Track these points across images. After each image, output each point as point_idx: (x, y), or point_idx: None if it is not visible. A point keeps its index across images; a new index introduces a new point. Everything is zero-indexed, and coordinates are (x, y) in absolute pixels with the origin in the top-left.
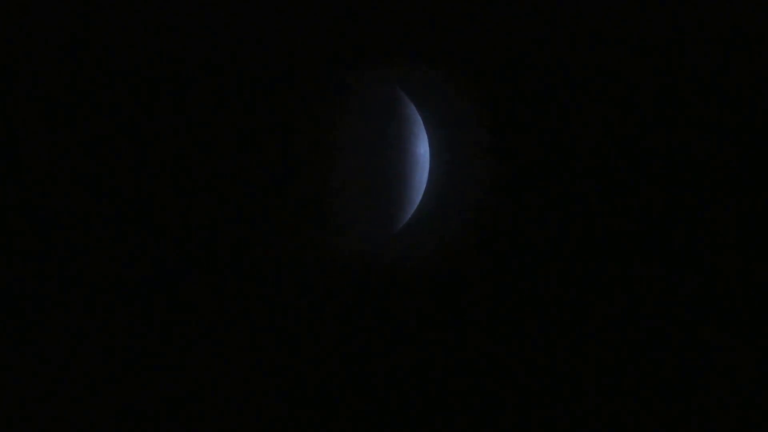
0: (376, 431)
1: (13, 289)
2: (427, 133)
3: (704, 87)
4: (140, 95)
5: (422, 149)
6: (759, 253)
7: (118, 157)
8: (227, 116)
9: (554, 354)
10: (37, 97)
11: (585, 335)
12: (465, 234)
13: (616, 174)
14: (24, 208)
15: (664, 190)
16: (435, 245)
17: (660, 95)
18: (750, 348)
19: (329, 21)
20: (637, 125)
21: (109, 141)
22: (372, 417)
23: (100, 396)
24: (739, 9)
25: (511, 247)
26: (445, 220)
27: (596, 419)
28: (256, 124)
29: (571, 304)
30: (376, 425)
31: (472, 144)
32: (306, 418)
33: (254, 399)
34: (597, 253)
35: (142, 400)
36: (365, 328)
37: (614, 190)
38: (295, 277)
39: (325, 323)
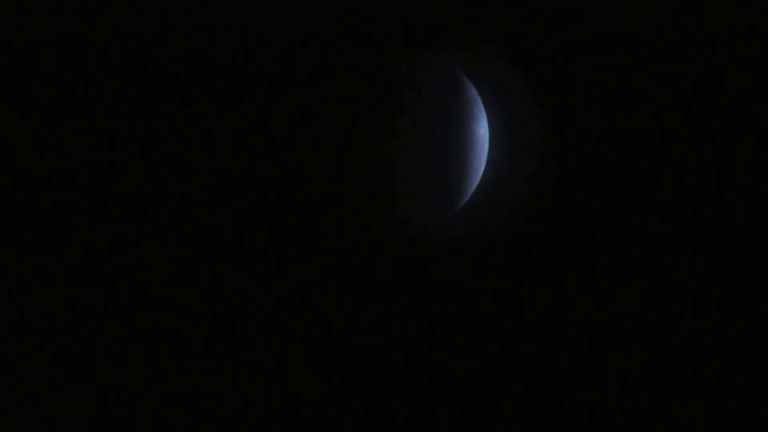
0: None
1: (12, 289)
2: (487, 115)
3: None
4: (198, 79)
5: (482, 130)
6: None
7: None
8: (293, 98)
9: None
10: (38, 97)
11: (643, 331)
12: (522, 215)
13: (684, 171)
14: (24, 207)
15: (746, 193)
16: (493, 225)
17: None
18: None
19: (393, 3)
20: (721, 121)
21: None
22: (439, 391)
23: (126, 394)
24: None
25: (566, 230)
26: (503, 201)
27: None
28: (322, 106)
29: (627, 297)
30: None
31: (530, 125)
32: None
33: (322, 380)
34: (655, 249)
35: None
36: (424, 308)
37: (681, 187)
38: (357, 256)
39: (386, 302)
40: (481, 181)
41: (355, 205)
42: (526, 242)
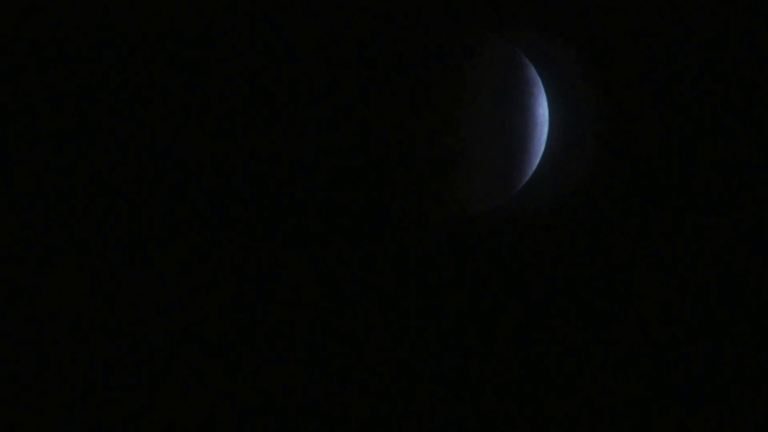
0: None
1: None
2: (546, 95)
3: None
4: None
5: (541, 110)
6: None
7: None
8: (358, 77)
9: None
10: (41, 96)
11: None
12: (581, 194)
13: (752, 162)
14: (24, 207)
15: None
16: (552, 204)
17: None
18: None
19: None
20: None
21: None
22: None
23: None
24: None
25: (624, 209)
26: (563, 180)
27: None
28: (386, 86)
29: (690, 285)
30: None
31: (590, 105)
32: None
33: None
34: (719, 237)
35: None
36: (483, 289)
37: (744, 187)
38: (420, 236)
39: (446, 283)
40: (541, 160)
41: (416, 185)
42: (586, 222)
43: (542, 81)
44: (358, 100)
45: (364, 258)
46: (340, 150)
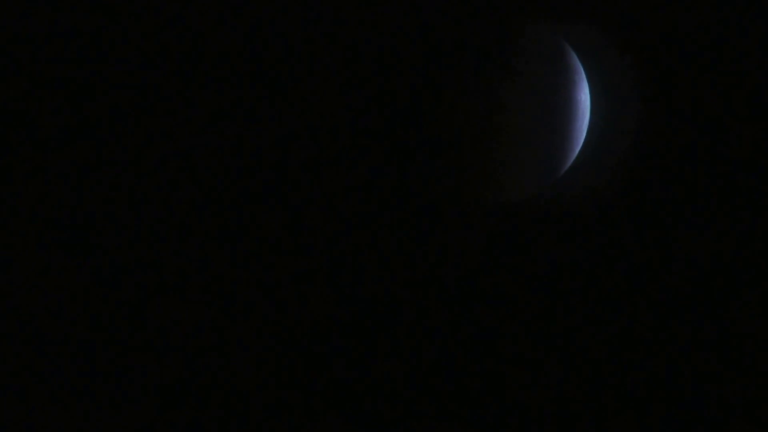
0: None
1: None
2: (588, 81)
3: None
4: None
5: (583, 95)
6: None
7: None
8: (406, 67)
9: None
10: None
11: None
12: (622, 179)
13: None
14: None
15: None
16: (594, 189)
17: None
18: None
19: None
20: None
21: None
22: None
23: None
24: None
25: (666, 193)
26: (604, 166)
27: None
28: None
29: (732, 272)
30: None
31: (631, 91)
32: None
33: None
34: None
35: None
36: (527, 275)
37: None
38: (461, 221)
39: (489, 269)
40: (583, 146)
41: (458, 171)
42: (627, 207)
43: (584, 67)
44: (404, 88)
45: (405, 246)
46: (384, 137)
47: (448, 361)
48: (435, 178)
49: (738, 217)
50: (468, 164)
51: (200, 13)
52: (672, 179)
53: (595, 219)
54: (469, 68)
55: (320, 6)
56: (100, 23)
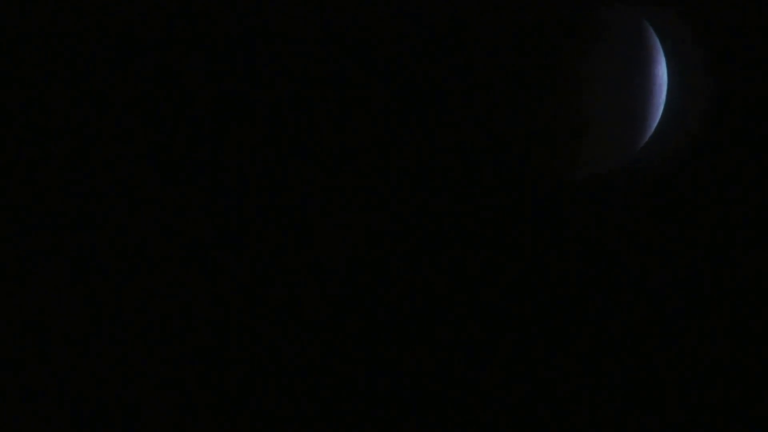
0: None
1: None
2: (665, 57)
3: None
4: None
5: (660, 71)
6: None
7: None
8: (489, 43)
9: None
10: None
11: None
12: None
13: None
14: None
15: None
16: (671, 165)
17: None
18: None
19: None
20: None
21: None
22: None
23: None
24: None
25: (740, 169)
26: (680, 141)
27: None
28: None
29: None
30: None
31: (708, 68)
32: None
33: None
34: None
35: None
36: (602, 250)
37: None
38: (537, 197)
39: (564, 246)
40: (660, 122)
41: (541, 148)
42: (702, 183)
43: (661, 43)
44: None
45: (484, 225)
46: (462, 115)
47: (535, 348)
48: (513, 155)
49: None
50: (545, 140)
51: (202, 12)
52: (745, 158)
53: (671, 192)
54: (548, 45)
55: None
56: (101, 23)
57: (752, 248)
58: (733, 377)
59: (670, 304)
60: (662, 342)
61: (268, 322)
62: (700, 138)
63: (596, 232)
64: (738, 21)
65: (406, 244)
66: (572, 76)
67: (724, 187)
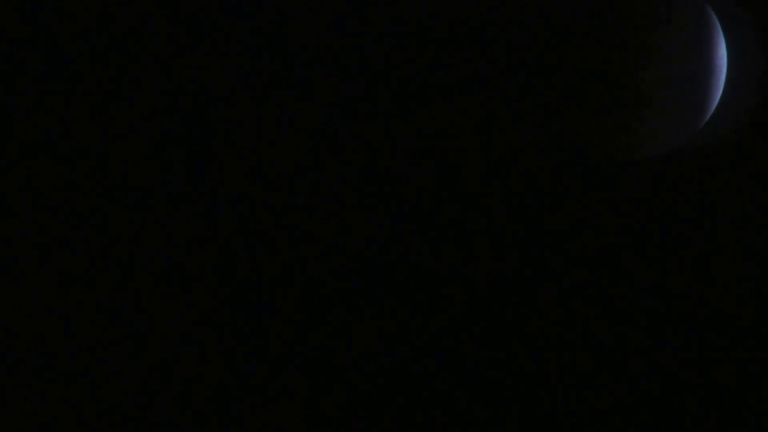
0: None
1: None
2: (725, 38)
3: None
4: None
5: (720, 52)
6: None
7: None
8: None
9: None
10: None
11: None
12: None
13: None
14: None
15: None
16: (730, 145)
17: None
18: None
19: None
20: None
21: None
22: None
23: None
24: None
25: None
26: (740, 123)
27: None
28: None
29: None
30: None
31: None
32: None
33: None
34: None
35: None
36: (661, 230)
37: None
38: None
39: (623, 226)
40: (719, 104)
41: (595, 128)
42: (761, 166)
43: (721, 24)
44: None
45: (539, 206)
46: (527, 92)
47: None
48: (573, 134)
49: None
50: (604, 121)
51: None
52: None
53: (731, 172)
54: (608, 24)
55: None
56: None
57: None
58: None
59: (733, 292)
60: (732, 332)
61: (268, 322)
62: (759, 120)
63: (655, 213)
64: None
65: (458, 226)
66: (633, 57)
67: None
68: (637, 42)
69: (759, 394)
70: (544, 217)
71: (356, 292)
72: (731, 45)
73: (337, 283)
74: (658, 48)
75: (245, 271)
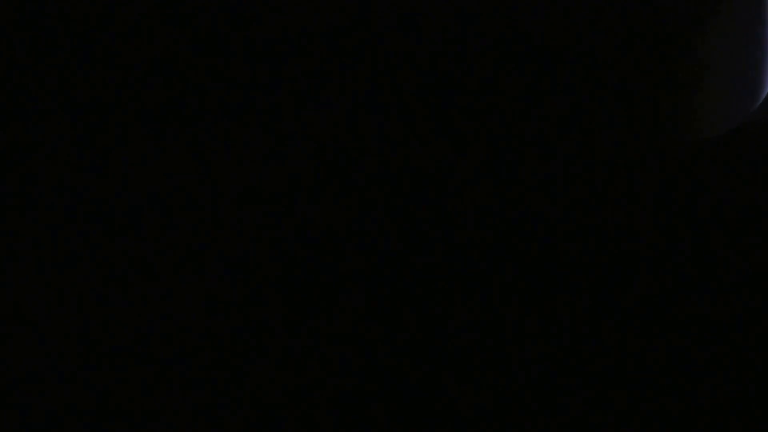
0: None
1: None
2: None
3: None
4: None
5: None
6: None
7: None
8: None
9: None
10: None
11: None
12: None
13: None
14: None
15: None
16: None
17: None
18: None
19: None
20: None
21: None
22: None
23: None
24: None
25: None
26: None
27: None
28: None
29: None
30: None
31: None
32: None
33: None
34: None
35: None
36: (713, 215)
37: None
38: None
39: (674, 207)
40: None
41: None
42: None
43: None
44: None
45: (586, 188)
46: (581, 78)
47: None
48: (625, 117)
49: None
50: (657, 104)
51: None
52: None
53: None
54: (666, 12)
55: None
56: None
57: None
58: None
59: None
60: None
61: (268, 322)
62: None
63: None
64: None
65: (503, 208)
66: (687, 42)
67: None
68: (693, 26)
69: (759, 393)
70: (600, 204)
71: (356, 291)
72: None
73: (337, 283)
74: (713, 31)
75: (245, 271)
